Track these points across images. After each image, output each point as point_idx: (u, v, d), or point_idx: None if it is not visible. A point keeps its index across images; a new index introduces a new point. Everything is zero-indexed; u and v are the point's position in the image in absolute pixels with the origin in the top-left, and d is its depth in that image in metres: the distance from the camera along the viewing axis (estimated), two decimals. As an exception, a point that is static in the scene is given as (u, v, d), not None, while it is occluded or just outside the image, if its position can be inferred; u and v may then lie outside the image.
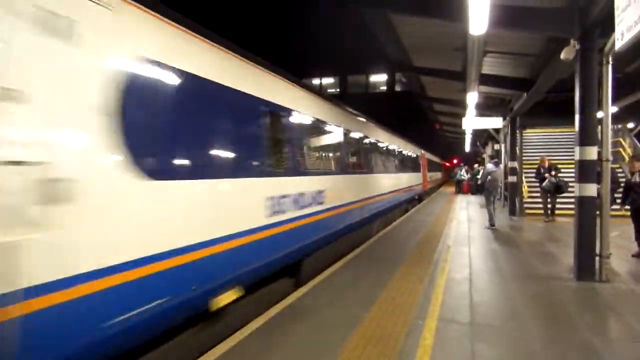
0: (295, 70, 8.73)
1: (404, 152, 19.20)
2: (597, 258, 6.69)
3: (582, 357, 4.16)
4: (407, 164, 19.71)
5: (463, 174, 30.11)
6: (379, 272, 7.29)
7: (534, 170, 14.91)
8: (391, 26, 10.55)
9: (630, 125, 19.79)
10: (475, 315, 5.20)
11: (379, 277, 6.94)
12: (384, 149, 14.63)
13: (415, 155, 22.87)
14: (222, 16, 33.30)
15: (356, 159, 10.94)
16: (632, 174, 8.67)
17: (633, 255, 8.38)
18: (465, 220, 14.53)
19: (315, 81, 48.93)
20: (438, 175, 39.43)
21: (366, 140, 11.99)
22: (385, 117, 21.39)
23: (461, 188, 29.54)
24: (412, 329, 4.70)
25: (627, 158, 18.14)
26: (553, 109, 15.96)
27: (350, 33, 38.22)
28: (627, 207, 8.60)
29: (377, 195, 12.23)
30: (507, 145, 17.67)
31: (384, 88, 50.59)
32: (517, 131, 16.91)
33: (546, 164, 14.00)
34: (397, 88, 49.22)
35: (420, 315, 5.15)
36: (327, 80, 50.71)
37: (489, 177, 12.86)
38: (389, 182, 14.24)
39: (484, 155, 28.89)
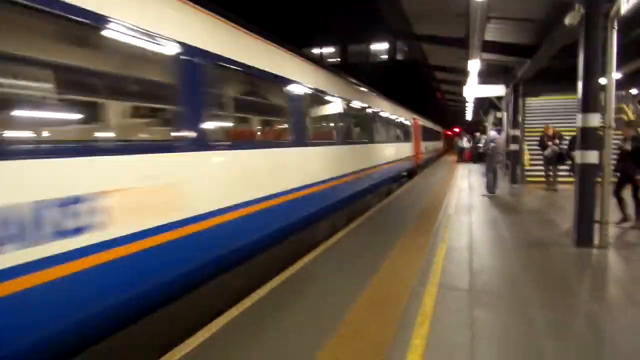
0: (296, 39, 8.59)
1: (387, 117, 14.66)
2: (596, 225, 6.75)
3: (581, 322, 4.26)
4: (392, 133, 15.76)
5: (464, 142, 30.01)
6: (381, 240, 7.37)
7: (537, 138, 14.84)
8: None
9: (634, 91, 19.55)
10: (475, 282, 5.29)
11: (382, 245, 7.02)
12: (355, 112, 10.81)
13: (404, 122, 18.58)
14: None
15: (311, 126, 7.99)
16: (624, 140, 8.48)
17: (617, 224, 8.25)
18: (466, 188, 14.58)
19: (316, 51, 48.25)
20: (438, 144, 37.11)
21: (328, 100, 8.84)
22: (387, 87, 21.22)
23: (463, 156, 29.52)
24: (413, 296, 4.79)
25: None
26: (556, 76, 15.74)
27: (350, 1, 37.53)
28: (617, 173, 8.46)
29: (345, 175, 9.18)
30: (509, 113, 17.55)
31: (385, 57, 49.95)
32: (520, 99, 16.76)
33: (550, 132, 13.88)
34: (399, 57, 48.57)
35: (422, 282, 5.24)
36: (328, 50, 50.01)
37: (492, 144, 12.84)
38: (362, 156, 11.00)
39: (486, 123, 28.02)
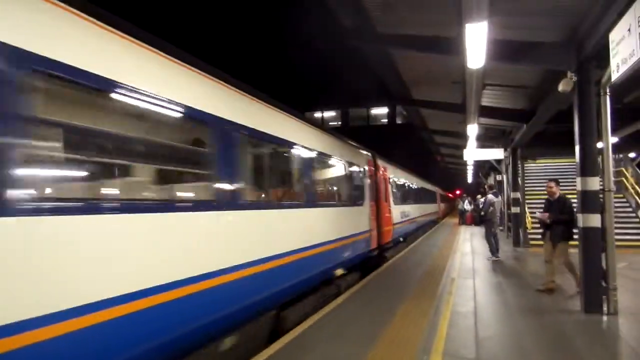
0: (299, 104, 8.86)
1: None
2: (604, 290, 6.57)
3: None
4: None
5: (466, 205, 30.01)
6: (384, 305, 7.17)
7: (539, 201, 14.82)
8: (391, 61, 10.76)
9: (632, 154, 19.82)
10: (481, 350, 5.08)
11: (383, 310, 6.82)
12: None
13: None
14: (223, 50, 34.04)
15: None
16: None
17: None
18: (469, 252, 14.39)
19: (318, 114, 49.52)
20: (432, 208, 36.17)
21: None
22: (387, 150, 21.53)
23: (464, 219, 29.39)
24: (417, 365, 4.58)
25: (629, 187, 18.09)
26: (554, 140, 16.04)
27: (351, 68, 38.97)
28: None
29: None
30: (509, 176, 17.69)
31: (385, 121, 51.16)
32: (519, 162, 16.96)
33: None
34: (398, 120, 49.75)
35: (425, 350, 5.03)
36: (329, 114, 51.34)
37: (491, 208, 12.82)
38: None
39: (486, 186, 27.96)
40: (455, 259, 12.76)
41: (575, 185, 7.22)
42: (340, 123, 50.18)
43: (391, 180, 15.03)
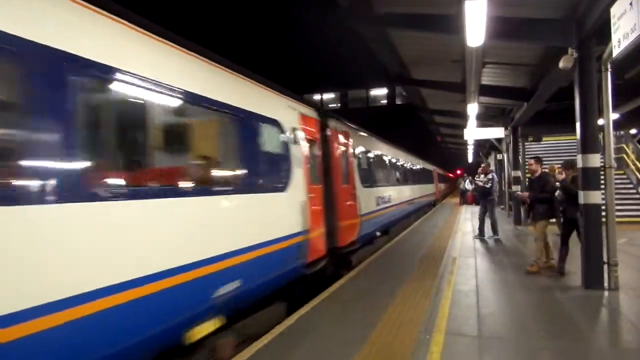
0: (298, 87, 8.79)
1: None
2: (605, 266, 6.61)
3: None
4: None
5: (467, 184, 30.01)
6: (385, 286, 7.22)
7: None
8: (389, 41, 10.64)
9: (633, 131, 19.75)
10: (483, 328, 5.13)
11: (384, 291, 6.87)
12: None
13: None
14: (222, 32, 33.71)
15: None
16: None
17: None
18: (470, 231, 14.44)
19: (317, 96, 49.26)
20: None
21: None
22: (387, 131, 21.47)
23: (465, 199, 29.41)
24: (420, 344, 4.63)
25: (630, 164, 18.07)
26: (555, 118, 15.96)
27: (349, 49, 38.60)
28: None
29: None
30: (510, 154, 17.66)
31: (384, 102, 50.90)
32: (519, 140, 16.92)
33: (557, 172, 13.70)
34: (398, 101, 49.48)
35: (427, 329, 5.08)
36: (328, 96, 51.05)
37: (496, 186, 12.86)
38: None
39: (483, 165, 26.89)
40: (456, 238, 12.81)
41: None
42: (339, 105, 49.95)
43: (358, 153, 10.93)
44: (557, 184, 7.63)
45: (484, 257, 9.81)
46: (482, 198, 13.29)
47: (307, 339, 4.93)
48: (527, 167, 8.37)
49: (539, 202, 8.01)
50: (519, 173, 16.81)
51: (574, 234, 7.38)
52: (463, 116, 16.08)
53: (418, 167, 23.70)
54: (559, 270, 7.61)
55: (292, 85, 7.94)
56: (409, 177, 19.57)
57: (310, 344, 4.80)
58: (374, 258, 10.03)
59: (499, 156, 23.07)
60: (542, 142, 22.16)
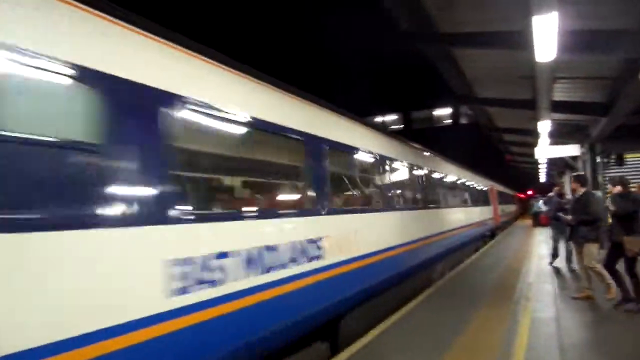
0: (360, 109, 8.84)
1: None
2: None
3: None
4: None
5: (540, 205, 28.50)
6: (456, 312, 6.94)
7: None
8: (453, 60, 10.50)
9: None
10: (565, 359, 4.78)
11: (456, 317, 6.59)
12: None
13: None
14: (285, 60, 34.76)
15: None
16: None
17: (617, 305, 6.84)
18: (546, 255, 13.62)
19: (379, 119, 49.19)
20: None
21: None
22: (452, 152, 20.95)
23: (538, 220, 27.91)
24: (496, 375, 4.39)
25: None
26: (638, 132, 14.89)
27: (411, 69, 38.49)
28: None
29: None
30: (587, 173, 16.63)
31: (448, 121, 49.91)
32: (598, 158, 15.93)
33: None
34: (463, 121, 48.33)
35: (504, 358, 4.81)
36: (391, 117, 50.85)
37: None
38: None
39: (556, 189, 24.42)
40: (531, 261, 12.14)
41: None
42: (402, 126, 49.55)
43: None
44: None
45: (562, 282, 9.19)
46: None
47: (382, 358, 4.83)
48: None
49: (582, 224, 7.27)
50: (599, 192, 15.75)
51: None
52: (534, 134, 15.41)
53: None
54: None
55: (355, 109, 7.98)
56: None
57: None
58: (447, 280, 9.72)
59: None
60: (625, 160, 20.65)
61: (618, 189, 6.77)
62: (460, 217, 13.86)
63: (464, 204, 15.90)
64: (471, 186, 17.87)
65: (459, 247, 13.20)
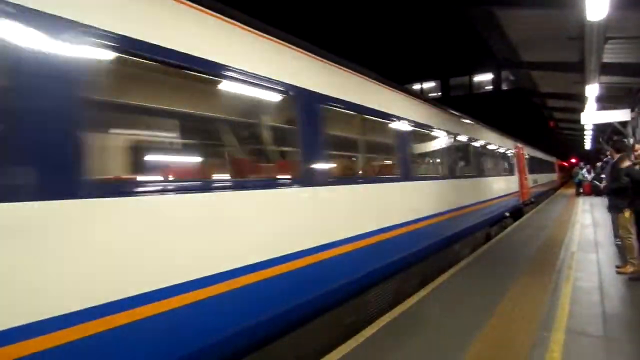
0: (398, 76, 8.65)
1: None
2: None
3: None
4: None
5: (584, 173, 27.49)
6: (496, 279, 6.89)
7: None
8: (496, 22, 10.06)
9: None
10: (609, 328, 4.69)
11: (497, 285, 6.55)
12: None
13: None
14: (322, 28, 34.19)
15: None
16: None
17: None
18: (589, 224, 13.23)
19: (416, 86, 48.12)
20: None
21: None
22: (492, 119, 20.32)
23: (582, 189, 26.97)
24: (537, 342, 4.36)
25: None
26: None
27: (451, 34, 37.29)
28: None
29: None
30: (637, 139, 15.84)
31: (489, 88, 48.28)
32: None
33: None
34: (504, 87, 46.65)
35: (546, 326, 4.77)
36: (429, 85, 49.64)
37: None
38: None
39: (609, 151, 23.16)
40: (574, 231, 11.82)
41: None
42: (440, 93, 48.33)
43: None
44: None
45: (607, 252, 8.93)
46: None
47: (420, 328, 4.89)
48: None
49: (614, 194, 6.99)
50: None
51: None
52: (580, 99, 14.74)
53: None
54: None
55: (393, 75, 7.83)
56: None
57: (423, 334, 4.75)
58: (482, 250, 9.62)
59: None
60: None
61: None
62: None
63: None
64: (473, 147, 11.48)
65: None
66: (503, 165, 15.11)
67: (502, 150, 14.68)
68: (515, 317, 5.10)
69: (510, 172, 15.73)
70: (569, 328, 4.69)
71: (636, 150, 7.29)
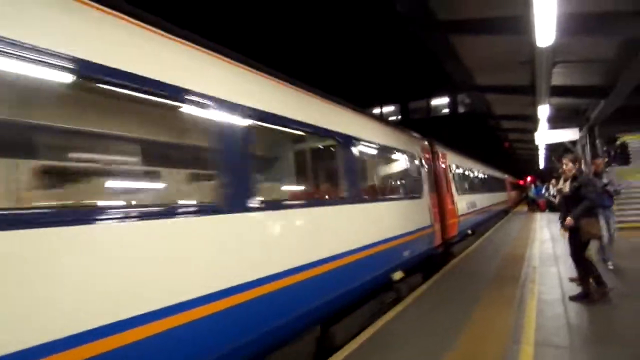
0: (358, 100, 8.82)
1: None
2: None
3: None
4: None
5: (541, 190, 28.67)
6: (464, 295, 7.03)
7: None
8: (451, 47, 10.48)
9: None
10: (575, 338, 4.85)
11: (465, 300, 6.68)
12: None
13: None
14: (280, 48, 34.53)
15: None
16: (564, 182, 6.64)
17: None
18: (548, 239, 13.72)
19: (376, 110, 49.14)
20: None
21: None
22: (450, 141, 20.96)
23: (536, 206, 28.13)
24: (508, 357, 4.45)
25: None
26: (637, 115, 14.88)
27: (409, 58, 38.43)
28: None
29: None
30: (586, 157, 16.67)
31: (446, 111, 49.89)
32: (597, 141, 15.96)
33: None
34: (460, 109, 48.35)
35: (515, 339, 4.88)
36: (388, 109, 50.80)
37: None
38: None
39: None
40: (534, 246, 12.22)
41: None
42: (399, 117, 49.50)
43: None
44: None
45: (567, 265, 9.25)
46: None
47: (390, 348, 4.89)
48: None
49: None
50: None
51: None
52: (533, 119, 15.43)
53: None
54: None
55: (353, 99, 7.97)
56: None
57: (393, 355, 4.75)
58: (450, 267, 9.79)
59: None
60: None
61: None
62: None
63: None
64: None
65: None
66: (394, 181, 9.44)
67: (392, 155, 8.77)
68: (486, 333, 5.20)
69: (412, 192, 9.18)
70: (537, 340, 4.82)
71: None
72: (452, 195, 12.34)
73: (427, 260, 9.49)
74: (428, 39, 9.89)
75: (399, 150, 8.80)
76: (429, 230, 9.55)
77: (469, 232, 14.81)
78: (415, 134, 10.76)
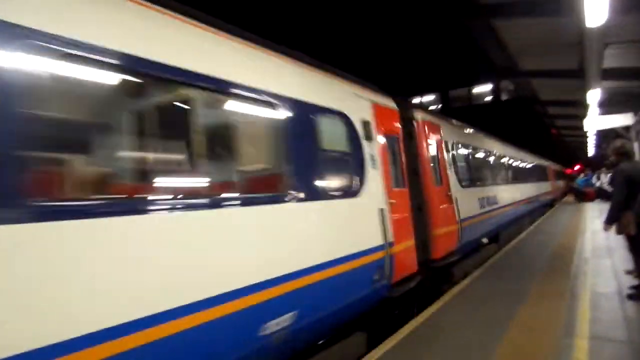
0: (398, 90, 8.66)
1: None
2: None
3: None
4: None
5: (590, 179, 27.43)
6: (513, 287, 6.82)
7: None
8: (494, 32, 10.14)
9: None
10: (634, 333, 4.61)
11: (514, 293, 6.49)
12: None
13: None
14: (321, 40, 34.42)
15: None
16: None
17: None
18: (599, 230, 13.09)
19: (416, 99, 48.37)
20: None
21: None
22: (492, 128, 20.33)
23: (583, 196, 26.84)
24: (561, 350, 4.29)
25: None
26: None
27: (450, 47, 37.58)
28: None
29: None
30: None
31: (488, 98, 48.48)
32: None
33: None
34: (504, 96, 46.85)
35: (568, 333, 4.69)
36: (428, 98, 49.89)
37: None
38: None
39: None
40: (585, 238, 11.72)
41: None
42: (440, 105, 48.51)
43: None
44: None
45: (622, 257, 8.84)
46: None
47: (437, 342, 4.82)
48: None
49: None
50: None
51: None
52: (583, 105, 14.76)
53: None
54: None
55: (393, 89, 7.82)
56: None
57: (443, 345, 4.68)
58: (493, 261, 9.54)
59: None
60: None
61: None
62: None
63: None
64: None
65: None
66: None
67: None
68: (536, 325, 5.03)
69: (329, 187, 4.87)
70: (593, 334, 4.62)
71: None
72: (448, 189, 8.35)
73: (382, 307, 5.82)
74: (470, 24, 9.62)
75: (285, 106, 4.29)
76: (379, 254, 5.30)
77: (484, 241, 10.98)
78: (359, 85, 6.16)
